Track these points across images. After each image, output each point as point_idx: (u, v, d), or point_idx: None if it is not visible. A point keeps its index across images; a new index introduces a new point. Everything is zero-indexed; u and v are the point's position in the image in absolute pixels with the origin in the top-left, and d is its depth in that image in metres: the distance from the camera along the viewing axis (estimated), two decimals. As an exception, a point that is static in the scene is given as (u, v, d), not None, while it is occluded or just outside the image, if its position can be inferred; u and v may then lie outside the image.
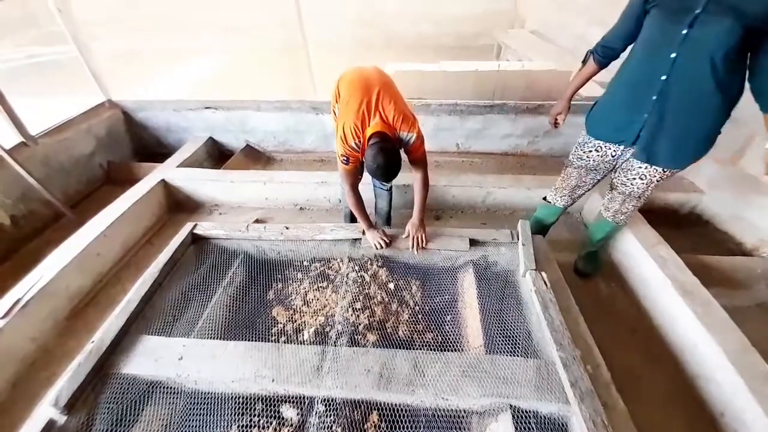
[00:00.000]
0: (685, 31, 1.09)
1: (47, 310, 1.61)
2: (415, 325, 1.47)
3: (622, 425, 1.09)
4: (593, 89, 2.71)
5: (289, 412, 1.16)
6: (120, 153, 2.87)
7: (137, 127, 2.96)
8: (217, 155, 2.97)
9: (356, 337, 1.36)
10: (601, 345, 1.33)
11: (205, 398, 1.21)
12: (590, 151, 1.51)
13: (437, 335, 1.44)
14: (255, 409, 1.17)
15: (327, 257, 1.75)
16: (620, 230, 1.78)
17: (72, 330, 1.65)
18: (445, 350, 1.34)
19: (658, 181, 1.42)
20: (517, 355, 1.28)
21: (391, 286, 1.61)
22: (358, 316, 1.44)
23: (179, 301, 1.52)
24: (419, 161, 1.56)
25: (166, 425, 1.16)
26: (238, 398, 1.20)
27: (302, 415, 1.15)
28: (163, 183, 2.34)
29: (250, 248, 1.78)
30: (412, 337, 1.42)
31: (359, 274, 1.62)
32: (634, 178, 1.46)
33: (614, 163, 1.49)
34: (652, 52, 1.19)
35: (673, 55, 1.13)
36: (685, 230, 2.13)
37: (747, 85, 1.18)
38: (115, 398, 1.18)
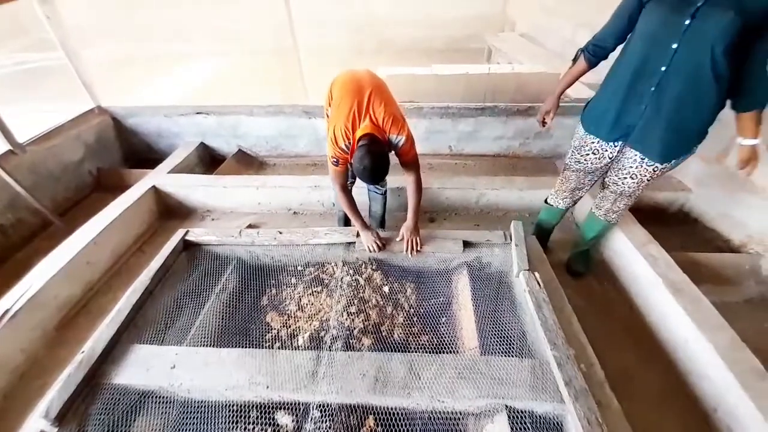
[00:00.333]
0: (687, 22, 1.11)
1: (36, 320, 1.58)
2: (410, 327, 1.47)
3: (616, 423, 1.10)
4: (580, 90, 2.75)
5: (284, 419, 1.15)
6: (110, 159, 2.84)
7: (127, 133, 2.93)
8: (208, 160, 2.95)
9: (351, 341, 1.35)
10: (595, 344, 1.34)
11: (198, 407, 1.19)
12: (587, 154, 1.53)
13: (432, 337, 1.44)
14: (249, 417, 1.16)
15: (321, 261, 1.75)
16: (612, 229, 1.80)
17: (62, 340, 1.62)
18: (440, 352, 1.34)
19: (648, 180, 1.44)
20: (512, 356, 1.29)
21: (386, 289, 1.61)
22: (353, 320, 1.44)
23: (171, 308, 1.51)
24: (410, 163, 1.56)
25: (158, 435, 1.15)
26: (232, 406, 1.19)
27: (297, 422, 1.14)
28: (154, 189, 2.32)
29: (243, 254, 1.77)
30: (407, 340, 1.42)
31: (354, 278, 1.62)
32: (625, 177, 1.48)
33: (611, 164, 1.52)
34: (652, 43, 1.20)
35: (675, 45, 1.15)
36: (674, 228, 2.16)
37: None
38: (106, 409, 1.16)
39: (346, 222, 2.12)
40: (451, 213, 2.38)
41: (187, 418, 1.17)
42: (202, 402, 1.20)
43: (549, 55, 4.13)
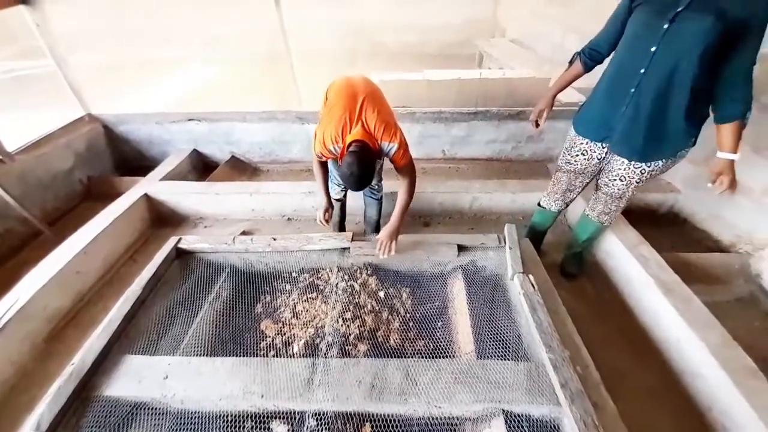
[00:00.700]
0: (666, 26, 1.14)
1: (25, 331, 1.54)
2: (406, 333, 1.47)
3: (612, 425, 1.11)
4: (571, 95, 2.79)
5: (279, 429, 1.14)
6: (100, 167, 2.81)
7: (118, 140, 2.90)
8: (201, 167, 2.94)
9: (347, 347, 1.35)
10: (589, 345, 1.35)
11: (192, 418, 1.17)
12: (577, 155, 1.55)
13: (429, 342, 1.44)
14: (244, 427, 1.14)
15: (316, 267, 1.74)
16: (604, 231, 1.82)
17: (52, 351, 1.59)
18: (436, 357, 1.34)
19: (638, 182, 1.46)
20: (508, 359, 1.29)
21: (381, 294, 1.60)
22: (348, 326, 1.43)
23: (164, 318, 1.48)
24: (405, 169, 1.56)
25: (151, 448, 1.13)
26: (227, 416, 1.17)
27: (293, 431, 1.13)
28: (146, 197, 2.29)
29: (237, 261, 1.76)
30: (403, 346, 1.41)
31: (349, 284, 1.61)
32: (615, 179, 1.51)
33: (600, 166, 1.54)
34: (634, 46, 1.24)
35: (653, 48, 1.18)
36: (664, 229, 2.19)
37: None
38: (97, 422, 1.14)
39: (341, 227, 2.13)
40: (446, 217, 2.39)
41: (180, 429, 1.15)
42: (195, 413, 1.18)
43: (539, 59, 4.19)
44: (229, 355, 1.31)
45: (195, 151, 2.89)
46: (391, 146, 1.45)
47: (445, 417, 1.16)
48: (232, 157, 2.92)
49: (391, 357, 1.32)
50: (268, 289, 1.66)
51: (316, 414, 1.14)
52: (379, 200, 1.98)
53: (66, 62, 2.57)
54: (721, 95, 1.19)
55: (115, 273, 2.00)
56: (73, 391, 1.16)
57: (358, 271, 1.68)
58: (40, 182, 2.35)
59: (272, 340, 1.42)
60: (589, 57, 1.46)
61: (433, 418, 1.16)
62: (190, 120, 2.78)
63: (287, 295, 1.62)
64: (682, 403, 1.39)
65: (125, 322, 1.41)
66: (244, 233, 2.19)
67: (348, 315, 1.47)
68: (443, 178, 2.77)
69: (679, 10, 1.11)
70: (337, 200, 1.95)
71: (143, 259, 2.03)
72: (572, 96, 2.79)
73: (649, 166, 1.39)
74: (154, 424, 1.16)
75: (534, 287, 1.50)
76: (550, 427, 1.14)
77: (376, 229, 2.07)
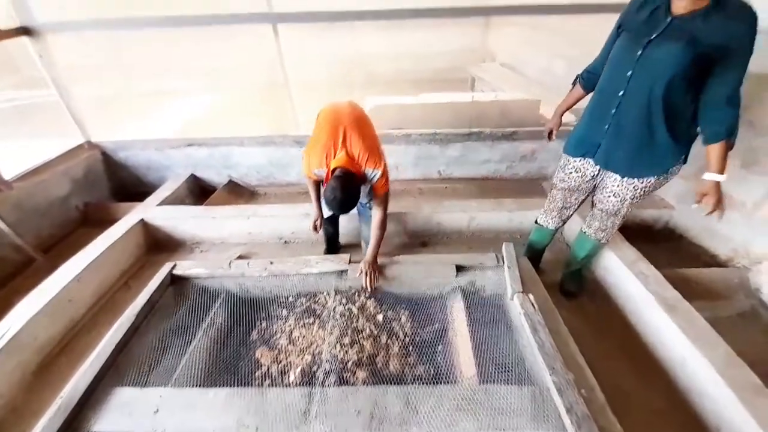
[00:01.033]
0: (640, 52, 1.19)
1: (14, 363, 1.49)
2: (406, 357, 1.43)
3: (621, 451, 1.07)
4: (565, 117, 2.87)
5: (275, 464, 1.08)
6: (98, 194, 2.81)
7: (116, 167, 2.93)
8: (199, 192, 2.95)
9: (345, 374, 1.31)
10: (593, 365, 1.32)
11: (183, 454, 1.12)
12: (570, 173, 1.59)
13: (429, 367, 1.40)
14: (238, 463, 1.09)
15: (313, 291, 1.72)
16: (602, 248, 1.82)
17: (42, 383, 1.53)
18: (437, 383, 1.30)
19: (631, 198, 1.48)
20: (511, 383, 1.26)
21: (380, 317, 1.58)
22: (346, 351, 1.40)
23: (157, 347, 1.44)
24: (379, 199, 1.60)
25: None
26: (220, 451, 1.12)
27: (290, 466, 1.08)
28: (142, 222, 2.29)
29: (233, 286, 1.73)
30: (403, 371, 1.38)
31: (347, 307, 1.59)
32: (609, 196, 1.53)
33: (594, 183, 1.56)
34: (615, 70, 1.30)
35: (629, 72, 1.24)
36: (661, 245, 2.20)
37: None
38: (82, 461, 1.08)
39: (330, 246, 2.14)
40: (444, 237, 2.39)
41: (170, 467, 1.09)
42: (187, 448, 1.13)
43: (528, 83, 4.33)
44: (223, 386, 1.27)
45: (193, 175, 2.91)
46: (375, 173, 1.49)
47: (448, 447, 1.11)
48: (230, 180, 2.94)
49: (391, 384, 1.28)
50: (264, 314, 1.63)
51: (313, 447, 1.09)
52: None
53: (68, 92, 2.62)
54: (704, 117, 1.23)
55: (108, 300, 1.96)
56: (61, 425, 1.11)
57: (356, 294, 1.66)
58: (37, 209, 2.34)
59: (267, 369, 1.38)
60: (587, 80, 1.54)
61: (435, 449, 1.11)
62: (189, 145, 2.82)
63: (283, 320, 1.59)
64: (690, 422, 1.35)
65: (116, 352, 1.38)
66: (240, 257, 2.17)
67: (346, 340, 1.44)
68: (440, 198, 2.79)
69: (653, 37, 1.17)
70: (328, 218, 2.00)
71: (138, 286, 2.00)
72: (565, 117, 2.87)
73: (641, 182, 1.41)
74: (144, 462, 1.11)
75: (534, 307, 1.48)
76: (558, 455, 1.09)
77: None
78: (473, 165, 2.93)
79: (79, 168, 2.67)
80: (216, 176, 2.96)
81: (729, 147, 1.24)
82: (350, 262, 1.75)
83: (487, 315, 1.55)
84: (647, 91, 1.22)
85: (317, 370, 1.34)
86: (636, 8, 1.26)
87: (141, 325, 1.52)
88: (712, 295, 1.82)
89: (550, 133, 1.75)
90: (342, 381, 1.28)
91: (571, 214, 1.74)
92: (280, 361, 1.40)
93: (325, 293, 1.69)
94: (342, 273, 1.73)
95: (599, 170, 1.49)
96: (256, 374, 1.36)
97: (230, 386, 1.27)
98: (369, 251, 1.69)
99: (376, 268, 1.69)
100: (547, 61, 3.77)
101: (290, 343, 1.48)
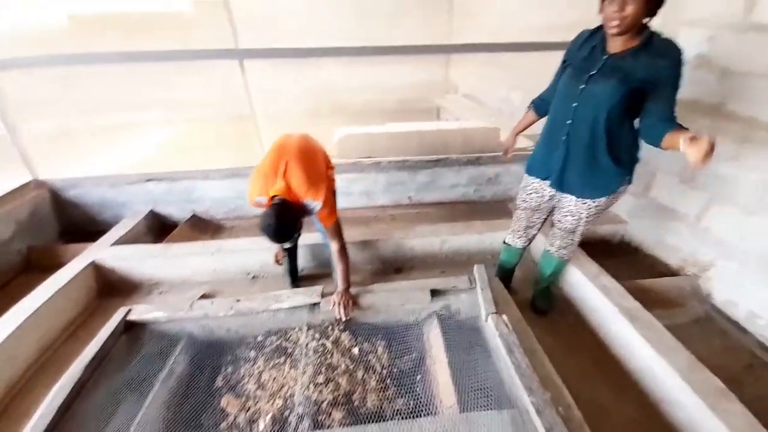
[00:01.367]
0: (582, 86, 1.32)
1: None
2: (384, 392, 1.37)
3: (603, 470, 1.06)
4: (522, 142, 3.06)
5: None
6: (45, 236, 2.59)
7: (67, 206, 2.73)
8: (159, 229, 2.79)
9: (320, 417, 1.23)
10: (568, 381, 1.33)
11: None
12: (530, 194, 1.68)
13: (408, 399, 1.35)
14: None
15: (284, 328, 1.63)
16: (566, 264, 1.90)
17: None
18: (418, 416, 1.25)
19: (587, 217, 1.57)
20: (491, 408, 1.23)
21: (356, 350, 1.52)
22: (320, 391, 1.32)
23: (107, 405, 1.29)
24: (329, 230, 1.60)
25: None
26: None
27: None
28: (93, 265, 2.11)
29: (195, 329, 1.61)
30: (381, 407, 1.32)
31: (320, 343, 1.52)
32: (566, 215, 1.61)
33: (552, 203, 1.65)
34: (562, 101, 1.42)
35: (575, 104, 1.36)
36: (619, 258, 2.32)
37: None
38: None
39: (292, 275, 2.11)
40: (417, 262, 2.39)
41: None
42: None
43: (489, 112, 4.63)
44: (184, 443, 1.15)
45: (152, 212, 2.76)
46: (315, 204, 1.48)
47: (431, 487, 1.05)
48: (193, 215, 2.82)
49: (369, 422, 1.21)
50: (230, 358, 1.52)
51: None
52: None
53: (16, 128, 2.47)
54: (647, 134, 1.31)
55: (54, 354, 1.75)
56: None
57: (330, 328, 1.59)
58: (-31, 257, 2.11)
59: (234, 419, 1.27)
60: (538, 106, 1.68)
61: (419, 490, 1.04)
62: (148, 180, 2.70)
63: (252, 363, 1.48)
64: (664, 431, 1.37)
65: (58, 415, 1.21)
66: (204, 297, 2.04)
67: (320, 379, 1.37)
68: (412, 224, 2.82)
69: (592, 73, 1.30)
70: (285, 249, 1.99)
71: (86, 336, 1.81)
72: (521, 142, 3.06)
73: (594, 202, 1.51)
74: None
75: (508, 327, 1.49)
76: (543, 482, 1.06)
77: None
78: (442, 190, 3.02)
79: (23, 209, 2.46)
80: (178, 212, 2.83)
81: (681, 129, 1.18)
82: (323, 294, 1.70)
83: (464, 339, 1.54)
84: (591, 120, 1.34)
85: (289, 415, 1.25)
86: (578, 47, 1.40)
87: (89, 381, 1.36)
88: (669, 304, 1.92)
89: (506, 151, 1.87)
90: (316, 425, 1.20)
91: (536, 233, 1.82)
92: (249, 409, 1.29)
93: (296, 329, 1.61)
94: (314, 306, 1.67)
95: (556, 191, 1.58)
96: (221, 426, 1.24)
97: (191, 443, 1.15)
98: (339, 283, 1.66)
99: (349, 298, 1.66)
100: (505, 92, 4.07)
101: (259, 387, 1.38)
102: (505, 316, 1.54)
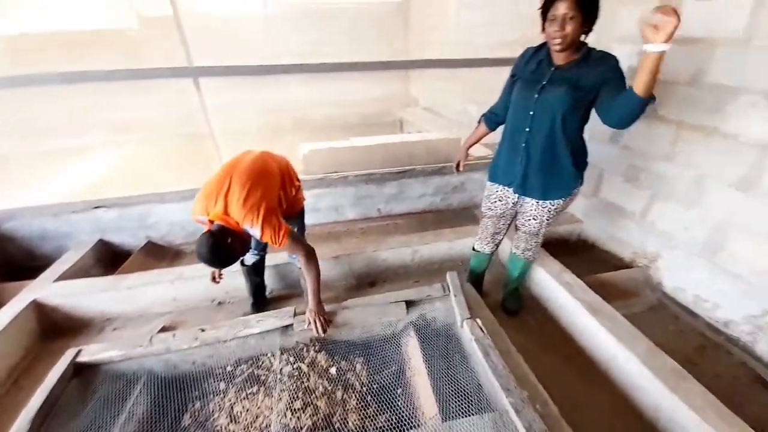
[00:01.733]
0: (536, 95, 1.43)
1: None
2: (365, 410, 1.34)
3: (582, 463, 1.09)
4: (480, 150, 3.20)
5: None
6: (-28, 276, 2.29)
7: (1, 240, 2.44)
8: (109, 259, 2.57)
9: (299, 445, 1.16)
10: (542, 378, 1.38)
11: None
12: (495, 202, 1.74)
13: (391, 415, 1.32)
14: None
15: (255, 355, 1.55)
16: (531, 265, 1.98)
17: None
18: (401, 431, 1.22)
19: (547, 219, 1.66)
20: (472, 413, 1.24)
21: (333, 371, 1.47)
22: (299, 417, 1.26)
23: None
24: (289, 249, 1.52)
25: None
26: None
27: None
28: (35, 304, 1.90)
29: (157, 365, 1.49)
30: (364, 426, 1.28)
31: (295, 366, 1.46)
32: (529, 219, 1.69)
33: (516, 209, 1.73)
34: (518, 110, 1.51)
35: (531, 112, 1.45)
36: (579, 255, 2.47)
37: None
38: None
39: (256, 298, 2.04)
40: (390, 273, 2.39)
41: None
42: None
43: (449, 123, 4.83)
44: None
45: (101, 241, 2.55)
46: (254, 230, 1.42)
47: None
48: (149, 242, 2.63)
49: (352, 444, 1.17)
50: (197, 392, 1.41)
51: None
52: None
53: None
54: (614, 110, 1.28)
55: (-15, 412, 1.53)
56: None
57: (305, 349, 1.53)
58: None
59: (205, 459, 1.17)
60: (489, 119, 1.77)
61: None
62: (96, 207, 2.49)
63: (222, 395, 1.39)
64: (635, 418, 1.44)
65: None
66: (164, 329, 1.89)
67: (297, 404, 1.30)
68: (383, 236, 2.83)
69: (543, 83, 1.41)
70: (251, 265, 1.92)
71: (32, 384, 1.61)
72: (480, 151, 3.20)
73: (553, 204, 1.61)
74: None
75: (483, 331, 1.52)
76: (528, 483, 1.08)
77: None
78: (410, 200, 3.07)
79: (-58, 248, 2.17)
80: (131, 239, 2.63)
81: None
82: (295, 314, 1.64)
83: (441, 347, 1.54)
84: (547, 126, 1.44)
85: (266, 447, 1.17)
86: (524, 62, 1.52)
87: (30, 438, 1.20)
88: (625, 294, 2.06)
89: (458, 165, 1.92)
90: (296, 454, 1.14)
91: (502, 238, 1.89)
92: (221, 446, 1.20)
93: (269, 355, 1.53)
94: (287, 328, 1.60)
95: (518, 197, 1.66)
96: (191, 469, 1.14)
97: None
98: (309, 299, 1.61)
99: (322, 314, 1.61)
100: (462, 105, 4.27)
101: (232, 421, 1.29)
102: (479, 320, 1.57)
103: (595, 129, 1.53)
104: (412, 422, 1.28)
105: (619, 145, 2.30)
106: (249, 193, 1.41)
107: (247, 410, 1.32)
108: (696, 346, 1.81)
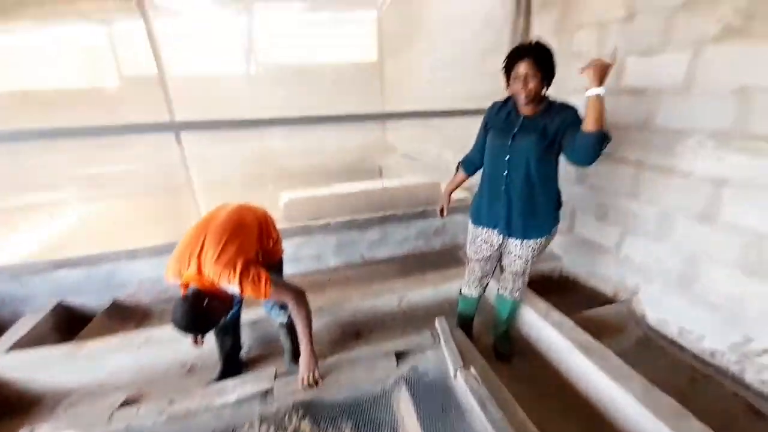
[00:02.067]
0: (510, 142, 1.53)
1: None
2: (357, 484, 1.19)
3: None
4: (456, 193, 3.31)
5: None
6: None
7: (-58, 309, 2.19)
8: (69, 325, 2.32)
9: None
10: (540, 425, 1.31)
11: None
12: (481, 245, 1.77)
13: (385, 489, 1.18)
14: None
15: (231, 426, 1.39)
16: (520, 305, 1.97)
17: None
18: (398, 508, 1.09)
19: (531, 257, 1.69)
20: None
21: (319, 439, 1.33)
22: (281, 501, 1.10)
23: None
24: (276, 298, 1.47)
25: None
26: None
27: None
28: (-23, 382, 1.66)
29: (116, 448, 1.30)
30: (355, 506, 1.13)
31: (276, 437, 1.31)
32: (515, 259, 1.72)
33: (500, 250, 1.76)
34: (496, 157, 1.60)
35: (507, 157, 1.55)
36: (561, 292, 2.48)
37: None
38: None
39: (227, 365, 1.85)
40: (377, 322, 2.29)
41: None
42: None
43: (427, 168, 5.05)
44: None
45: (60, 305, 2.33)
46: (233, 288, 1.35)
47: None
48: (113, 303, 2.43)
49: None
50: (162, 479, 1.22)
51: None
52: (283, 326, 1.79)
53: None
54: (575, 149, 1.38)
55: None
56: None
57: (287, 417, 1.39)
58: None
59: None
60: (466, 167, 1.87)
61: None
62: (58, 268, 2.31)
63: (192, 480, 1.21)
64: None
65: None
66: (126, 403, 1.68)
67: (279, 484, 1.15)
68: (367, 283, 2.76)
69: (515, 131, 1.53)
70: (223, 327, 1.75)
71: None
72: (458, 193, 3.32)
73: (536, 243, 1.65)
74: None
75: (478, 381, 1.45)
76: None
77: (293, 358, 1.81)
78: (394, 245, 3.06)
79: None
80: (95, 301, 2.42)
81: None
82: (276, 376, 1.51)
83: (436, 403, 1.45)
84: (524, 168, 1.53)
85: None
86: (495, 113, 1.65)
87: None
88: (612, 330, 2.06)
89: (442, 210, 1.98)
90: None
91: (489, 281, 1.90)
92: None
93: (247, 426, 1.38)
94: (267, 394, 1.46)
95: (503, 238, 1.70)
96: None
97: None
98: (303, 349, 1.51)
99: (315, 367, 1.52)
100: (437, 151, 4.50)
101: None
102: (473, 369, 1.50)
103: (563, 170, 1.63)
104: (409, 495, 1.15)
105: (585, 185, 2.45)
106: (224, 249, 1.35)
107: (221, 497, 1.15)
108: (687, 379, 1.79)
